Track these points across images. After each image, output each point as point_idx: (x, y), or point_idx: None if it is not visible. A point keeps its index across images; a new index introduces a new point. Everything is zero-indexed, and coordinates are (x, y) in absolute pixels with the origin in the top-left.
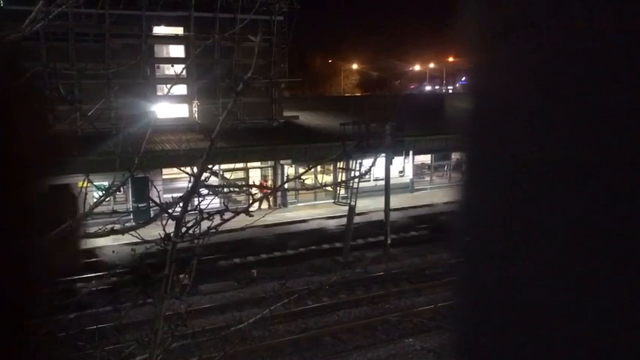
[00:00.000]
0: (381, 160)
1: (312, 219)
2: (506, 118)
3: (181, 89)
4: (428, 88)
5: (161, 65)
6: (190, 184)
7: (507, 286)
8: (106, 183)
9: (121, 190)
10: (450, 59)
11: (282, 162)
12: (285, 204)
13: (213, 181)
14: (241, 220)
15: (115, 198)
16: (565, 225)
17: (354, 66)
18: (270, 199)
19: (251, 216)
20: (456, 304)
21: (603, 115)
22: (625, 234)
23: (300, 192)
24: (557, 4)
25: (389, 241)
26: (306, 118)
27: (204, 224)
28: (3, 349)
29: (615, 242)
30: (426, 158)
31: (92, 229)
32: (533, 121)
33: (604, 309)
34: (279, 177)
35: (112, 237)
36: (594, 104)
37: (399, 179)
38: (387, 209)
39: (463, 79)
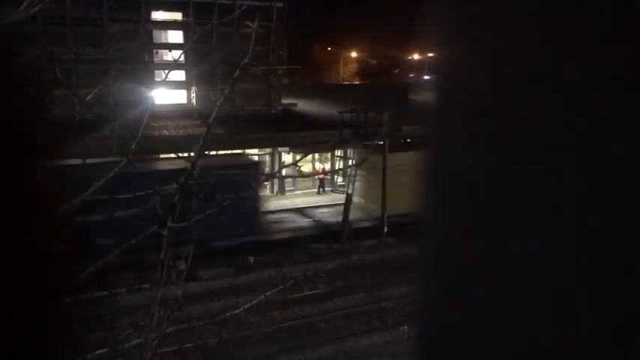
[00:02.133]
0: None
1: (308, 207)
2: (478, 112)
3: (179, 75)
4: (426, 77)
5: (159, 51)
6: (187, 170)
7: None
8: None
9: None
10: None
11: (279, 149)
12: (282, 191)
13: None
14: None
15: None
16: (543, 221)
17: (353, 54)
18: (267, 185)
19: None
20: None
21: (579, 110)
22: (608, 231)
23: (297, 179)
24: None
25: (385, 229)
26: (304, 105)
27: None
28: (10, 336)
29: (595, 241)
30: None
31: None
32: (507, 116)
33: (582, 305)
34: (277, 164)
35: None
36: (571, 99)
37: None
38: (384, 198)
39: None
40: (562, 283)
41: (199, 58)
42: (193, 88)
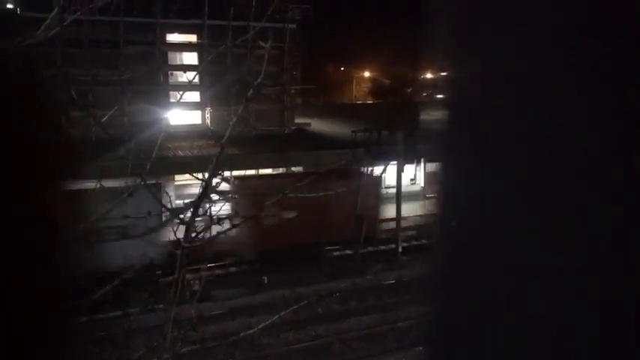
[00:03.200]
0: (393, 168)
1: None
2: (484, 125)
3: (194, 96)
4: (439, 96)
5: (174, 72)
6: (201, 190)
7: (490, 288)
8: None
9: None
10: None
11: (293, 169)
12: None
13: (225, 187)
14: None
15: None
16: (544, 229)
17: (366, 74)
18: None
19: None
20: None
21: (579, 119)
22: (609, 233)
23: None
24: (529, 9)
25: (400, 249)
26: (317, 125)
27: (214, 229)
28: (19, 351)
29: (597, 242)
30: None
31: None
32: (513, 127)
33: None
34: None
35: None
36: (569, 109)
37: (410, 187)
38: (399, 217)
39: None
40: (565, 281)
41: (214, 79)
42: (208, 109)
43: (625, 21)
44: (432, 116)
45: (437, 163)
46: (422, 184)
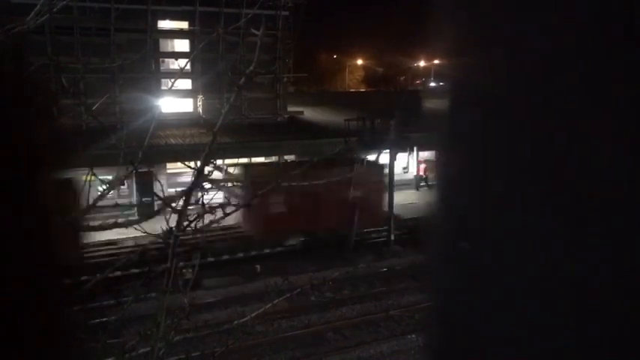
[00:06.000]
0: (385, 156)
1: None
2: (490, 118)
3: (186, 84)
4: (432, 84)
5: (166, 60)
6: (193, 178)
7: (497, 289)
8: (110, 177)
9: (125, 183)
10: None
11: (285, 157)
12: None
13: (217, 175)
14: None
15: (119, 192)
16: (552, 226)
17: (359, 62)
18: None
19: None
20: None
21: (581, 117)
22: (621, 236)
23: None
24: (534, 7)
25: (392, 238)
26: (310, 113)
27: (207, 218)
28: (11, 343)
29: (610, 245)
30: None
31: (95, 223)
32: (517, 121)
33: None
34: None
35: (115, 230)
36: (571, 105)
37: (402, 175)
38: (391, 205)
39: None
40: (561, 280)
41: (205, 66)
42: (200, 97)
43: (625, 17)
44: (426, 104)
45: (435, 155)
46: (414, 173)
